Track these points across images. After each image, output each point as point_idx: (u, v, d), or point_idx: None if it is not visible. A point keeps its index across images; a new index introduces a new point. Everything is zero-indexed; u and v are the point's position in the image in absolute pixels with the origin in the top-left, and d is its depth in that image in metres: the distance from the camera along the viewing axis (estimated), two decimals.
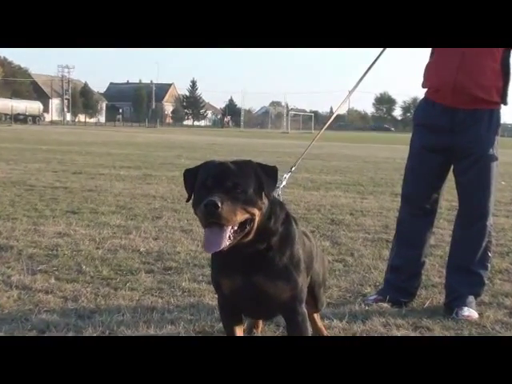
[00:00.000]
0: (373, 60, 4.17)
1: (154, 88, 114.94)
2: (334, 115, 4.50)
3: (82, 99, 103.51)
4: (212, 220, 2.44)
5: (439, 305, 4.22)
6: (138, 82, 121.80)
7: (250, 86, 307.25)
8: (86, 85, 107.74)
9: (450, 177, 4.23)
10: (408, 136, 4.52)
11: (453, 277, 4.21)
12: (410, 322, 3.82)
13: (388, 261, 4.54)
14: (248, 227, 2.54)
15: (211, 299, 4.08)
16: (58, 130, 49.34)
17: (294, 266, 2.73)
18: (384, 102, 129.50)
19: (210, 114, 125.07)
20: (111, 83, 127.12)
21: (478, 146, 4.00)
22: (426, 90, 4.23)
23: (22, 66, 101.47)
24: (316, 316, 3.42)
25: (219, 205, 2.38)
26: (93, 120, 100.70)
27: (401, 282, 4.25)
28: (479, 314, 4.00)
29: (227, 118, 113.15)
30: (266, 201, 2.58)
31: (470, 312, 3.99)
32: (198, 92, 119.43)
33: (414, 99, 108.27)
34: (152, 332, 3.53)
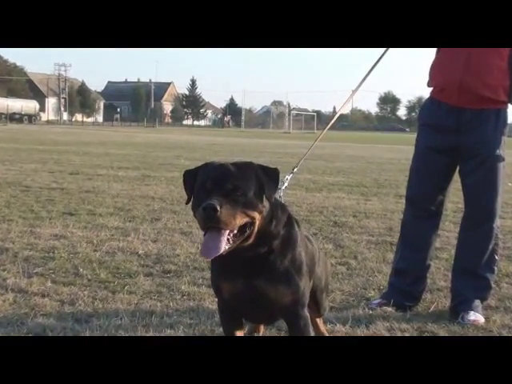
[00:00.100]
0: (377, 58, 4.18)
1: (152, 87, 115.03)
2: (337, 115, 4.51)
3: (79, 98, 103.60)
4: (211, 224, 2.43)
5: (445, 309, 4.22)
6: (136, 80, 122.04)
7: (251, 84, 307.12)
8: (83, 83, 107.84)
9: (456, 178, 4.22)
10: (413, 136, 4.53)
11: (459, 280, 4.21)
12: (414, 326, 3.82)
13: (392, 264, 4.54)
14: (248, 231, 2.53)
15: (211, 303, 4.08)
16: (55, 130, 49.36)
17: (296, 270, 2.72)
18: (388, 101, 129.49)
19: (210, 113, 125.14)
20: (109, 82, 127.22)
21: (485, 146, 4.00)
22: (431, 89, 4.23)
23: (18, 64, 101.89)
24: (318, 320, 3.41)
25: (218, 208, 2.37)
26: (90, 119, 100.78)
27: (405, 286, 4.25)
28: (485, 319, 4.00)
29: (227, 118, 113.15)
30: (266, 204, 2.57)
31: (476, 316, 3.99)
32: (198, 91, 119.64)
33: (419, 98, 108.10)
34: None
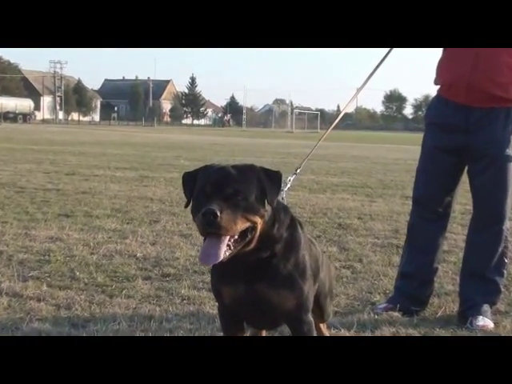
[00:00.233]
0: (382, 56, 4.18)
1: (151, 85, 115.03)
2: (342, 114, 4.50)
3: (75, 96, 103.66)
4: (210, 230, 2.42)
5: (453, 314, 4.22)
6: (134, 78, 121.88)
7: (252, 82, 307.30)
8: (79, 81, 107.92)
9: (464, 179, 4.22)
10: (419, 136, 4.52)
11: (467, 284, 4.21)
12: (421, 331, 3.82)
13: (398, 267, 4.54)
14: (249, 236, 2.52)
15: (212, 307, 4.09)
16: (50, 129, 49.39)
17: (300, 273, 2.71)
18: (394, 99, 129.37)
19: (210, 112, 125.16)
20: (106, 80, 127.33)
21: (494, 146, 3.99)
22: (438, 87, 4.23)
23: (12, 61, 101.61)
24: (322, 326, 3.41)
25: (218, 214, 2.36)
26: (87, 118, 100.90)
27: (412, 290, 4.25)
28: (495, 324, 4.00)
29: (227, 117, 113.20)
30: (268, 208, 2.55)
31: (485, 321, 3.98)
32: (198, 89, 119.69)
33: (426, 97, 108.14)
34: None
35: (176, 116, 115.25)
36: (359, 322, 3.95)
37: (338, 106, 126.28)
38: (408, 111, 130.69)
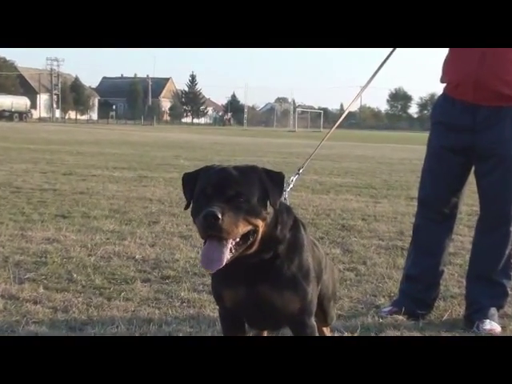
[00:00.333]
0: (387, 54, 4.17)
1: (150, 83, 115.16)
2: (346, 112, 4.50)
3: (72, 94, 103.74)
4: (211, 233, 2.41)
5: (459, 317, 4.22)
6: (132, 76, 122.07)
7: (253, 80, 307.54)
8: (76, 79, 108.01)
9: (471, 179, 4.22)
10: (425, 135, 4.52)
11: (473, 287, 4.21)
12: (427, 335, 3.82)
13: (403, 270, 4.54)
14: (251, 239, 2.51)
15: (212, 310, 4.09)
16: (47, 128, 49.41)
17: (303, 275, 2.71)
18: (399, 98, 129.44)
19: (210, 110, 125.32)
20: (104, 77, 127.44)
21: (502, 146, 3.98)
22: (444, 85, 4.23)
23: (8, 58, 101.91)
24: (325, 330, 3.41)
25: (219, 216, 2.35)
26: (84, 117, 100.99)
27: (417, 293, 4.25)
28: (502, 328, 4.01)
29: (227, 116, 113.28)
30: (270, 210, 2.55)
31: (492, 325, 3.99)
32: (198, 87, 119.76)
33: (432, 95, 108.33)
34: None
35: (176, 115, 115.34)
36: (363, 325, 3.95)
37: (342, 105, 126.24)
38: (413, 110, 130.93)
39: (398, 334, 3.81)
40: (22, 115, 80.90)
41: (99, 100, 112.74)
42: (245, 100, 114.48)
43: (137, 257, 5.49)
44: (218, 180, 2.49)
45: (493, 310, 4.09)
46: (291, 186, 3.30)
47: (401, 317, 4.12)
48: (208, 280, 4.56)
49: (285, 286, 2.66)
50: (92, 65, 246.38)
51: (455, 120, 4.07)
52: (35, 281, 4.69)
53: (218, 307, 2.97)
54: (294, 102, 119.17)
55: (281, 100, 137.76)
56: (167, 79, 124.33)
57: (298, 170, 3.54)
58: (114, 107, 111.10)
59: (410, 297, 4.25)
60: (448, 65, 4.16)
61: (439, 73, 4.24)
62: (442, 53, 4.22)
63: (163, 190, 10.31)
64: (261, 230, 2.51)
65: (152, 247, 5.90)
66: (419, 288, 4.27)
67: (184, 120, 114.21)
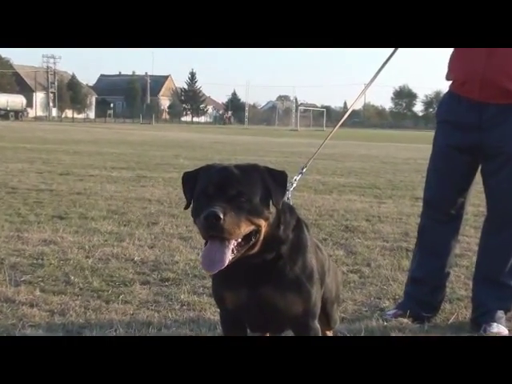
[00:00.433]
0: (391, 51, 4.17)
1: (148, 80, 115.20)
2: (349, 111, 4.50)
3: (69, 93, 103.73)
4: (213, 233, 2.41)
5: (465, 320, 4.22)
6: (131, 73, 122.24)
7: (255, 78, 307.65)
8: (73, 77, 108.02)
9: (478, 179, 4.22)
10: (430, 134, 4.52)
11: (480, 289, 4.21)
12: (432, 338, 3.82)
13: (408, 272, 4.54)
14: (253, 239, 2.51)
15: (213, 313, 4.09)
16: (43, 127, 49.42)
17: (307, 277, 2.70)
18: (403, 95, 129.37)
19: (210, 109, 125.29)
20: (102, 75, 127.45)
21: (509, 144, 3.97)
22: (450, 82, 4.23)
23: (3, 56, 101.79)
24: (329, 333, 3.41)
25: (221, 216, 2.35)
26: (81, 116, 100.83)
27: (423, 295, 4.25)
28: (509, 331, 4.00)
29: (228, 114, 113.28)
30: (273, 210, 2.55)
31: (499, 328, 3.98)
32: (198, 85, 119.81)
33: (437, 93, 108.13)
34: None
35: (175, 113, 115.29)
36: (367, 328, 3.95)
37: (345, 103, 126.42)
38: (418, 108, 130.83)
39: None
40: (18, 114, 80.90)
41: (96, 98, 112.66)
42: (246, 98, 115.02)
43: (135, 259, 5.49)
44: (219, 179, 2.49)
45: (500, 313, 4.09)
46: (294, 185, 3.30)
47: (406, 320, 4.12)
48: (208, 282, 4.57)
49: (288, 288, 2.66)
50: (89, 62, 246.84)
51: (461, 118, 4.07)
52: (31, 283, 4.70)
53: (218, 310, 2.97)
54: (296, 100, 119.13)
55: (283, 98, 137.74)
56: (166, 77, 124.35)
57: (302, 169, 3.53)
58: (111, 106, 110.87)
59: (416, 299, 4.25)
60: (454, 62, 4.16)
61: (445, 70, 4.23)
62: (447, 49, 4.22)
63: (162, 191, 10.31)
64: (263, 230, 2.51)
65: (151, 249, 5.91)
66: (425, 290, 4.26)
67: (183, 119, 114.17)
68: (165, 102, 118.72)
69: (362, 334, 3.82)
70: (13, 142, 23.49)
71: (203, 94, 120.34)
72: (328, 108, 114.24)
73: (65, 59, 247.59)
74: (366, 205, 9.38)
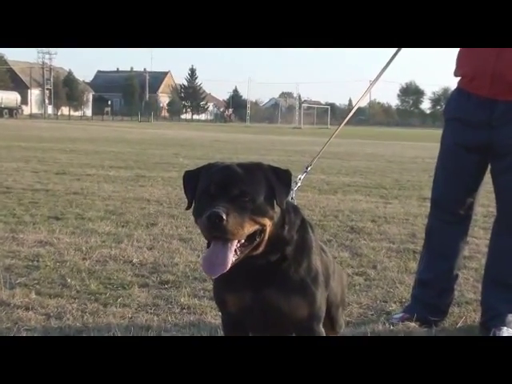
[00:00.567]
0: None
1: (147, 77, 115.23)
2: (355, 108, 4.51)
3: (65, 89, 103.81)
4: (216, 234, 2.41)
5: (474, 324, 4.23)
6: (129, 70, 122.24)
7: (257, 74, 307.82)
8: (69, 73, 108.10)
9: (487, 179, 4.22)
10: (438, 132, 4.53)
11: (490, 292, 4.21)
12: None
13: (416, 274, 4.54)
14: (258, 239, 2.50)
15: (214, 317, 4.10)
16: (39, 125, 49.49)
17: (312, 279, 2.70)
18: (410, 92, 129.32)
19: (211, 106, 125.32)
20: (99, 71, 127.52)
21: None
22: (459, 79, 4.23)
23: None
24: None
25: (224, 217, 2.34)
26: (78, 113, 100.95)
27: (430, 299, 4.25)
28: None
29: (229, 111, 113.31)
30: (277, 209, 2.54)
31: (509, 333, 3.98)
32: (198, 81, 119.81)
33: (445, 90, 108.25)
34: None
35: (174, 111, 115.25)
36: (373, 332, 3.95)
37: (350, 100, 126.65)
38: (425, 105, 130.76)
39: None
40: (13, 111, 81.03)
41: (94, 95, 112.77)
42: (247, 95, 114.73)
43: (134, 260, 5.50)
44: (221, 178, 2.48)
45: (510, 317, 4.08)
46: (299, 184, 3.30)
47: (413, 324, 4.12)
48: (209, 285, 4.58)
49: (292, 291, 2.65)
50: (86, 58, 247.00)
51: (470, 116, 4.06)
52: (27, 286, 4.70)
53: (220, 313, 2.98)
54: (299, 97, 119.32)
55: (285, 95, 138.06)
56: (165, 73, 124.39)
57: (306, 168, 3.53)
58: (109, 103, 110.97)
59: (423, 303, 4.25)
60: (462, 57, 4.15)
61: (453, 66, 4.23)
62: None
63: (162, 190, 10.32)
64: (268, 229, 2.51)
65: (150, 250, 5.91)
66: (432, 293, 4.27)
67: (183, 116, 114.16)
68: (164, 99, 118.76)
69: None
70: (7, 141, 23.51)
71: (203, 91, 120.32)
72: (332, 105, 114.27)
73: (61, 55, 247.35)
74: (371, 205, 9.38)
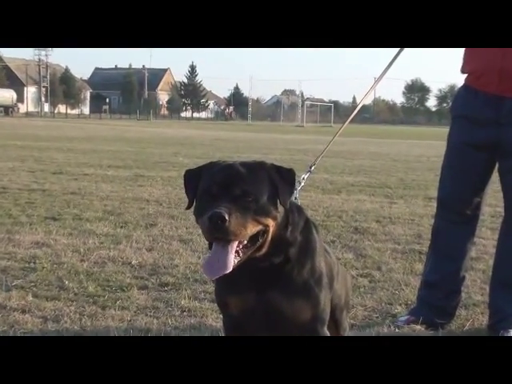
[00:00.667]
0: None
1: (146, 74, 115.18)
2: (359, 105, 4.50)
3: (62, 87, 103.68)
4: (218, 235, 2.40)
5: (482, 327, 4.23)
6: (127, 67, 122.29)
7: (258, 71, 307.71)
8: (66, 70, 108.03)
9: (495, 178, 4.22)
10: (444, 130, 4.52)
11: (497, 294, 4.21)
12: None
13: (422, 276, 4.54)
14: (260, 240, 2.50)
15: (215, 320, 4.10)
16: (35, 123, 49.52)
17: (316, 281, 2.70)
18: (416, 90, 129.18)
19: (211, 104, 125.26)
20: (96, 68, 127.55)
21: None
22: (466, 75, 4.22)
23: None
24: None
25: (226, 218, 2.33)
26: (75, 111, 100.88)
27: (437, 301, 4.25)
28: None
29: (229, 109, 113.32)
30: (281, 209, 2.54)
31: None
32: (198, 78, 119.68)
33: (452, 87, 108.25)
34: None
35: (174, 108, 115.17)
36: (378, 335, 3.95)
37: (354, 98, 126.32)
38: (431, 103, 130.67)
39: None
40: (8, 109, 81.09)
41: (91, 93, 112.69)
42: (249, 92, 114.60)
43: (133, 262, 5.50)
44: (223, 178, 2.48)
45: None
46: (302, 184, 3.30)
47: (419, 326, 4.12)
48: (210, 287, 4.58)
49: (296, 293, 2.65)
50: (83, 55, 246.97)
51: (478, 113, 4.06)
52: (23, 288, 4.71)
53: (221, 316, 2.97)
54: (302, 94, 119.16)
55: (288, 92, 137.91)
56: (165, 70, 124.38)
57: (310, 168, 3.52)
58: (107, 101, 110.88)
59: (429, 305, 4.25)
60: (469, 53, 4.15)
61: (460, 62, 4.23)
62: None
63: (161, 190, 10.33)
64: (271, 230, 2.50)
65: (149, 252, 5.92)
66: (439, 295, 4.26)
67: (183, 114, 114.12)
68: (163, 97, 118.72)
69: None
70: (3, 139, 23.54)
71: (204, 89, 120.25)
72: (336, 103, 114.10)
73: (57, 52, 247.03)
74: (376, 205, 9.38)
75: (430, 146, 27.55)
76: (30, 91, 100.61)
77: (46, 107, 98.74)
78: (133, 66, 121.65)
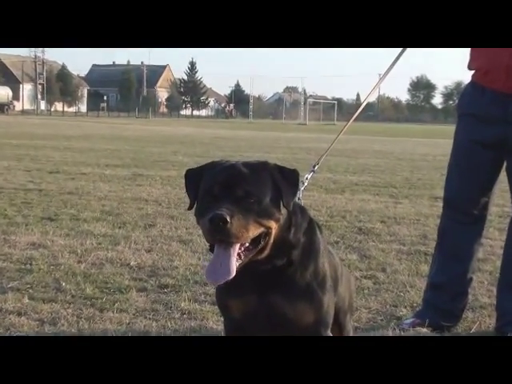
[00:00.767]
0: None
1: (145, 71, 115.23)
2: (364, 103, 4.50)
3: (58, 84, 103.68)
4: (219, 237, 2.39)
5: (489, 330, 4.23)
6: (125, 63, 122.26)
7: (260, 68, 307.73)
8: (63, 67, 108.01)
9: (502, 177, 4.22)
10: (451, 128, 4.52)
11: (505, 296, 4.21)
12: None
13: (427, 277, 4.54)
14: (262, 242, 2.50)
15: (216, 322, 4.10)
16: (31, 121, 49.53)
17: (319, 284, 2.69)
18: (421, 87, 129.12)
19: (212, 101, 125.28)
20: (94, 65, 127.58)
21: None
22: (472, 72, 4.22)
23: None
24: None
25: (228, 220, 2.33)
26: (72, 109, 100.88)
27: (443, 303, 4.25)
28: None
29: (230, 107, 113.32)
30: (284, 211, 2.53)
31: None
32: (198, 75, 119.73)
33: (458, 84, 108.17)
34: None
35: (173, 106, 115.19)
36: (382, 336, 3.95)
37: (358, 95, 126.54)
38: (437, 100, 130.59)
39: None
40: (4, 107, 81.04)
41: (88, 90, 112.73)
42: (250, 90, 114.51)
43: (132, 263, 5.51)
44: (225, 178, 2.47)
45: None
46: (306, 184, 3.29)
47: (424, 329, 4.12)
48: (211, 289, 4.58)
49: (298, 297, 2.64)
50: (80, 52, 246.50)
51: (485, 111, 4.06)
52: (19, 290, 4.71)
53: (222, 319, 2.97)
54: (304, 91, 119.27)
55: (290, 89, 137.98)
56: (164, 67, 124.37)
57: (313, 167, 3.52)
58: (104, 98, 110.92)
59: (435, 307, 4.25)
60: (476, 49, 4.14)
61: (466, 59, 4.23)
62: None
63: (160, 190, 10.33)
64: (273, 232, 2.50)
65: (148, 253, 5.92)
66: (445, 297, 4.26)
67: (183, 112, 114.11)
68: (162, 94, 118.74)
69: None
70: None
71: (204, 86, 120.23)
72: (339, 100, 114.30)
73: (54, 48, 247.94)
74: (380, 205, 9.38)
75: (435, 145, 27.55)
76: (26, 88, 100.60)
77: (43, 105, 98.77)
78: (131, 63, 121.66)
